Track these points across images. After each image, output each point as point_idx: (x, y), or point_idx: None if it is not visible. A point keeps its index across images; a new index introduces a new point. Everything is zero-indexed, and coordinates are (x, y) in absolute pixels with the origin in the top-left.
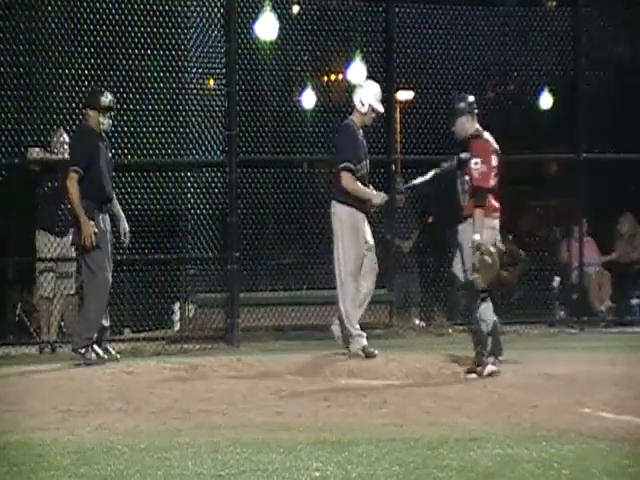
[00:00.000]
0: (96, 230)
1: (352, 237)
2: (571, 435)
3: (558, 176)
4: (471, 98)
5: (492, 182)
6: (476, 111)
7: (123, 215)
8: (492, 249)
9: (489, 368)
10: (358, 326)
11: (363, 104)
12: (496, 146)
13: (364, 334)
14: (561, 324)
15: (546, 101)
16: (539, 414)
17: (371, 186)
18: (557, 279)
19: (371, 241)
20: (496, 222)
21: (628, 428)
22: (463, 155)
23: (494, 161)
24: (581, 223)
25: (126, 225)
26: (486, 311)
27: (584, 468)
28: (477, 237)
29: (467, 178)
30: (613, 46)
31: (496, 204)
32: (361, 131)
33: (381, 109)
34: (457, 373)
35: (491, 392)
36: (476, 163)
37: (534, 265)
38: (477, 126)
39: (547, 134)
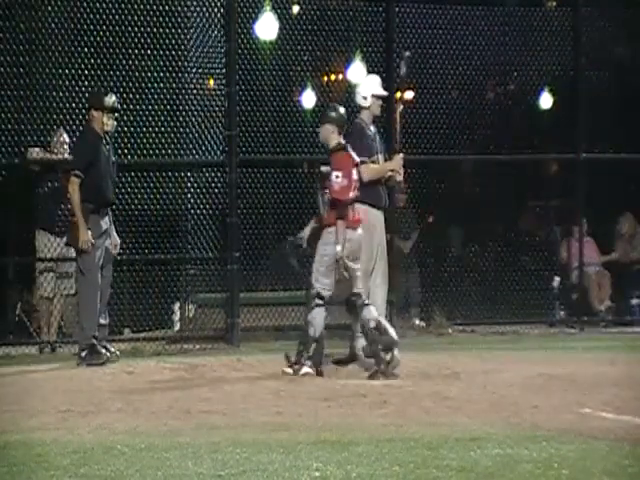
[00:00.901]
0: (93, 241)
1: (366, 236)
2: (571, 435)
3: (558, 176)
4: (342, 110)
5: (352, 195)
6: (344, 126)
7: (113, 227)
8: (349, 264)
9: (304, 369)
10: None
11: (365, 98)
12: (357, 160)
13: None
14: (561, 324)
15: (546, 101)
16: (539, 414)
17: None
18: (557, 279)
19: (383, 244)
20: (358, 233)
21: (628, 428)
22: (324, 168)
23: (354, 174)
24: (581, 223)
25: (117, 239)
26: (317, 317)
27: (584, 468)
28: (339, 249)
29: (327, 191)
30: (613, 46)
31: (358, 216)
32: (373, 126)
33: (384, 92)
34: (457, 373)
35: (491, 392)
36: (337, 176)
37: (534, 265)
38: (341, 140)
39: (547, 134)
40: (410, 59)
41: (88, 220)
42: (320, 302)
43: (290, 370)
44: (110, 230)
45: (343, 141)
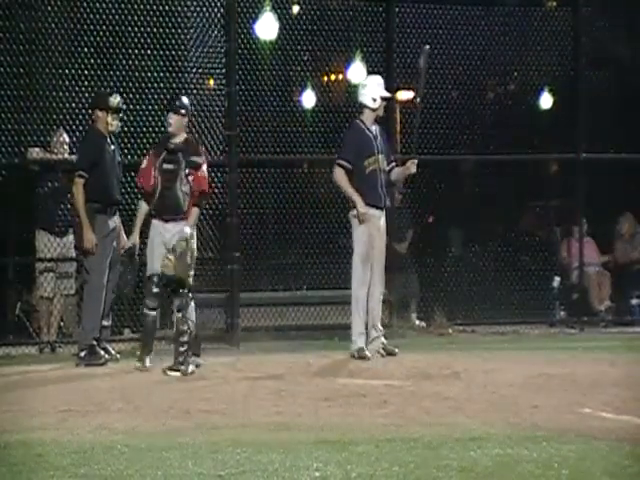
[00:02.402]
0: (96, 241)
1: (363, 228)
2: (571, 435)
3: (558, 176)
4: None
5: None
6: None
7: (122, 228)
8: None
9: (192, 367)
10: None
11: (375, 99)
12: None
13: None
14: (561, 324)
15: (546, 101)
16: (539, 414)
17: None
18: (557, 279)
19: (382, 246)
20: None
21: (628, 428)
22: (195, 158)
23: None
24: (581, 223)
25: (125, 240)
26: (192, 312)
27: (584, 468)
28: (188, 230)
29: (192, 179)
30: (613, 46)
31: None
32: (375, 127)
33: (387, 94)
34: (457, 373)
35: (491, 392)
36: (204, 169)
37: (534, 265)
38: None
39: (547, 134)
40: (429, 53)
41: (95, 220)
42: (191, 296)
43: (177, 373)
44: (119, 231)
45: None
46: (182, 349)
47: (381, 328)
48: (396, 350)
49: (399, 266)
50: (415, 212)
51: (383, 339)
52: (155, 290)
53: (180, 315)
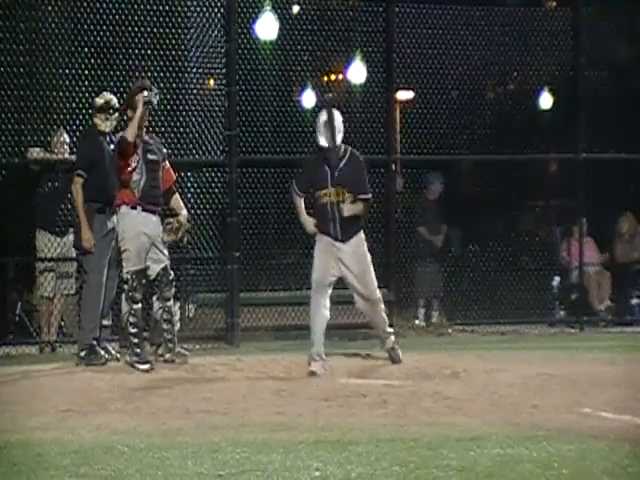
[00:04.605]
0: (94, 240)
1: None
2: (571, 435)
3: (558, 176)
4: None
5: None
6: None
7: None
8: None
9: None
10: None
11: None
12: None
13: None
14: (561, 324)
15: (546, 101)
16: (539, 414)
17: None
18: (557, 279)
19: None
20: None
21: (628, 428)
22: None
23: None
24: (581, 223)
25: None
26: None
27: (584, 468)
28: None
29: (160, 175)
30: (613, 46)
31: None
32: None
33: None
34: (457, 373)
35: (491, 392)
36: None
37: (534, 265)
38: None
39: (547, 134)
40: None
41: (94, 220)
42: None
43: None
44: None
45: None
46: (169, 336)
47: (389, 330)
48: (399, 357)
49: (429, 261)
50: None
51: (389, 343)
52: (143, 282)
53: (169, 304)
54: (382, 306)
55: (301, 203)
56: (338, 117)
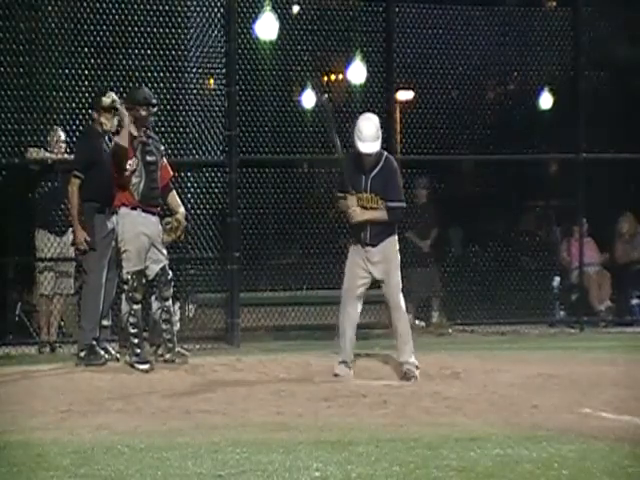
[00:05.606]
0: (88, 238)
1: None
2: (571, 435)
3: (558, 176)
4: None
5: None
6: None
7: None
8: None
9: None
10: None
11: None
12: None
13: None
14: (561, 324)
15: (546, 101)
16: (539, 414)
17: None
18: (557, 279)
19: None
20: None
21: (628, 428)
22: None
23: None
24: (581, 223)
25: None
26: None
27: (584, 468)
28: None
29: (160, 174)
30: (613, 46)
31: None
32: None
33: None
34: (457, 373)
35: (491, 392)
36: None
37: (534, 265)
38: None
39: (547, 134)
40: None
41: (93, 220)
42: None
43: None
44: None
45: None
46: (168, 336)
47: (411, 360)
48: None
49: (420, 264)
50: (436, 211)
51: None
52: (144, 282)
53: (168, 304)
54: (405, 317)
55: (351, 200)
56: (376, 122)
